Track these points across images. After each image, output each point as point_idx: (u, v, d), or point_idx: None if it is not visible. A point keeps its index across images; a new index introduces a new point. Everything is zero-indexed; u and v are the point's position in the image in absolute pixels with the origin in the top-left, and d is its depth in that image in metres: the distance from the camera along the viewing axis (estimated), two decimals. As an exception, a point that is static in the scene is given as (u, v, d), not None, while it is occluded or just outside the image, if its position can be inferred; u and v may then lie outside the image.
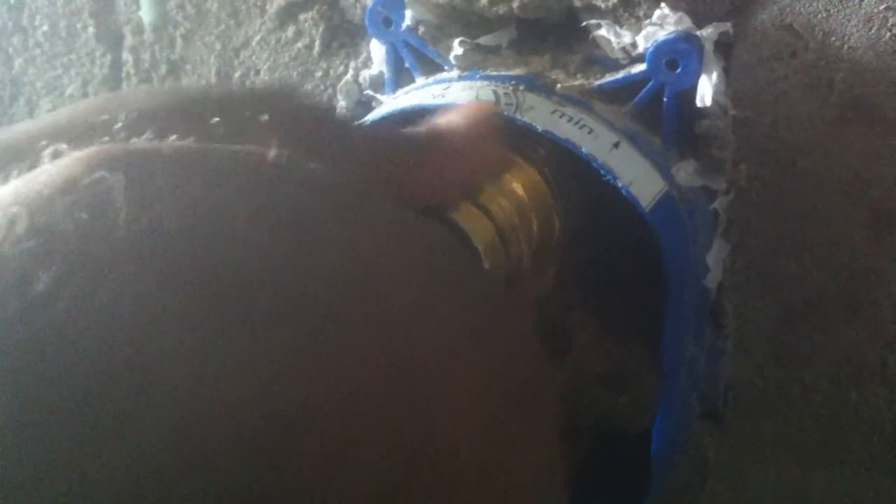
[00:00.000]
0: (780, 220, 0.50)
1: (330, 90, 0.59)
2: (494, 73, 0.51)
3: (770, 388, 0.55)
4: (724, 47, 0.48)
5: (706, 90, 0.47)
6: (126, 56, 0.65)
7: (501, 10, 0.51)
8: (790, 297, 0.52)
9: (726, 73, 0.48)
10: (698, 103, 0.47)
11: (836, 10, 0.46)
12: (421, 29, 0.52)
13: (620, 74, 0.49)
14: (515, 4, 0.51)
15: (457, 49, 0.52)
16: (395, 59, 0.54)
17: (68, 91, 0.69)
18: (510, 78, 0.50)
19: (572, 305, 0.53)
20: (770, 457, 0.57)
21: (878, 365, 0.51)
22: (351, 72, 0.57)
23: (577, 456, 0.54)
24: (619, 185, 0.46)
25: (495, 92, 0.49)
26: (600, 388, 0.55)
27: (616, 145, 0.48)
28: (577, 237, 0.50)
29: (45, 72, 0.68)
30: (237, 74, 0.62)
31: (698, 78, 0.47)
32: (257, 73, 0.62)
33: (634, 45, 0.49)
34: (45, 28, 0.67)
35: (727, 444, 0.57)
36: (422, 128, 0.38)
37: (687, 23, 0.47)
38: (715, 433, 0.57)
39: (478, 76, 0.51)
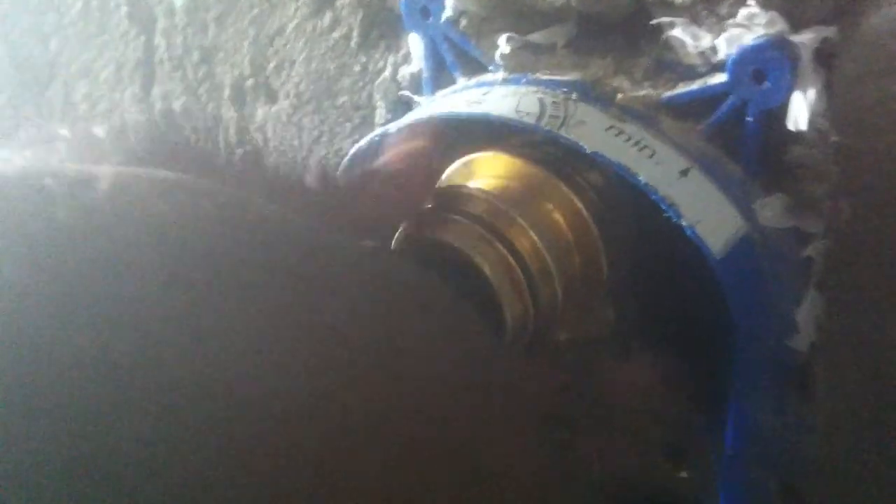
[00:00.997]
0: (887, 272, 0.40)
1: (369, 87, 0.52)
2: (545, 78, 0.43)
3: (866, 475, 0.45)
4: (825, 58, 0.39)
5: (800, 110, 0.38)
6: (158, 40, 0.59)
7: (559, 1, 0.43)
8: (891, 367, 0.42)
9: (827, 89, 0.39)
10: (790, 126, 0.38)
11: (973, 16, 0.36)
12: (463, 22, 0.44)
13: (695, 85, 0.40)
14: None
15: (503, 46, 0.43)
16: (433, 56, 0.46)
17: (102, 76, 0.64)
18: (562, 84, 0.42)
19: (627, 357, 0.45)
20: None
21: None
22: (389, 68, 0.50)
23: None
24: (683, 223, 0.37)
25: (541, 101, 0.41)
26: (660, 458, 0.46)
27: (684, 173, 0.39)
28: (632, 278, 0.42)
29: (80, 54, 0.63)
30: (271, 66, 0.55)
31: (790, 95, 0.38)
32: (292, 64, 0.55)
33: (714, 49, 0.40)
34: (78, 6, 0.61)
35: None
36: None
37: (780, 25, 0.38)
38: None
39: (524, 80, 0.43)
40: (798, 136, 0.39)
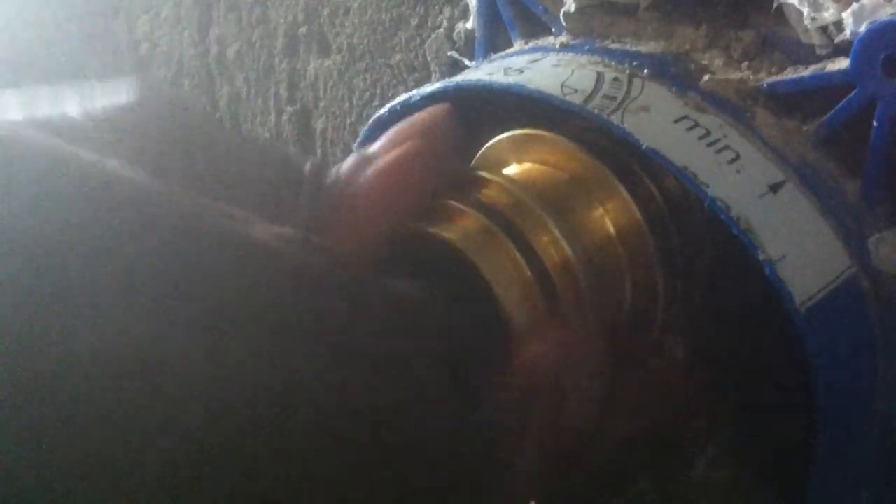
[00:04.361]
0: None
1: (425, 45, 0.43)
2: (614, 47, 0.33)
3: None
4: None
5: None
6: (215, -25, 0.52)
7: (644, -50, 0.33)
8: None
9: None
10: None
11: None
12: (524, -32, 0.35)
13: (808, 72, 0.30)
14: (665, -56, 0.32)
15: (569, 4, 0.34)
16: (489, 11, 0.38)
17: (163, 13, 0.58)
18: (633, 56, 0.33)
19: (691, 415, 0.35)
20: None
21: None
22: (445, 24, 0.41)
23: None
24: (761, 257, 0.27)
25: (599, 76, 0.31)
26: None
27: (775, 188, 0.29)
28: (699, 315, 0.32)
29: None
30: (325, 13, 0.48)
31: (937, 94, 0.27)
32: (347, 12, 0.47)
33: (840, 25, 0.29)
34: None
35: None
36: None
37: (937, -4, 0.27)
38: None
39: (588, 47, 0.34)
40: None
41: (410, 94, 0.34)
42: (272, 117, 0.54)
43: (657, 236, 0.31)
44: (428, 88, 0.34)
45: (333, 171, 0.30)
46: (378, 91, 0.47)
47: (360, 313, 0.23)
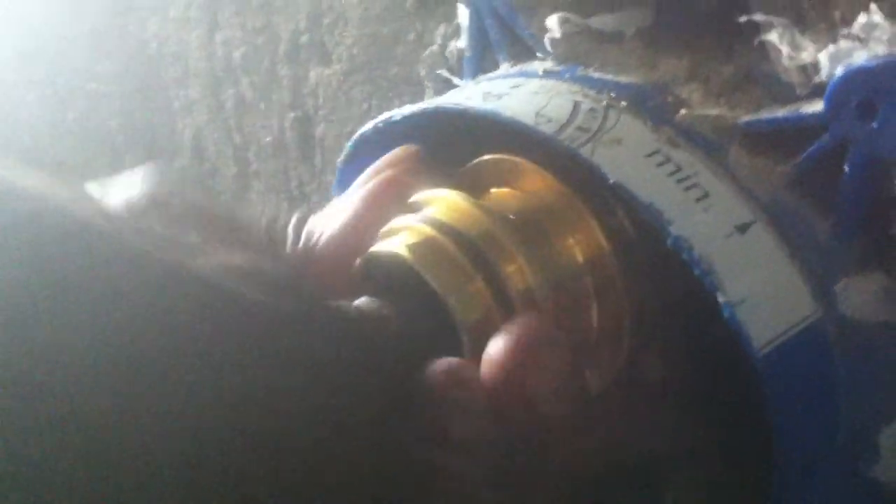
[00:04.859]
0: None
1: (422, 60, 0.44)
2: (596, 75, 0.33)
3: None
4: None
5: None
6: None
7: (631, -21, 0.33)
8: None
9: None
10: (896, 191, 0.27)
11: None
12: (515, -6, 0.35)
13: (784, 111, 0.30)
14: (651, -27, 0.32)
15: (555, 29, 0.34)
16: (478, 32, 0.38)
17: (171, 14, 0.58)
18: (612, 86, 0.32)
19: (662, 443, 0.35)
20: None
21: None
22: (440, 41, 0.41)
23: None
24: (721, 300, 0.27)
25: (576, 105, 0.31)
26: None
27: (742, 228, 0.29)
28: (670, 347, 0.32)
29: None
30: (327, 21, 0.48)
31: (908, 142, 0.27)
32: (347, 22, 0.47)
33: (816, 65, 0.29)
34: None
35: None
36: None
37: (910, 42, 0.27)
38: None
39: (569, 74, 0.34)
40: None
41: (392, 113, 0.34)
42: (275, 122, 0.54)
43: (625, 266, 0.31)
44: (409, 109, 0.34)
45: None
46: (375, 102, 0.47)
47: (295, 338, 0.24)
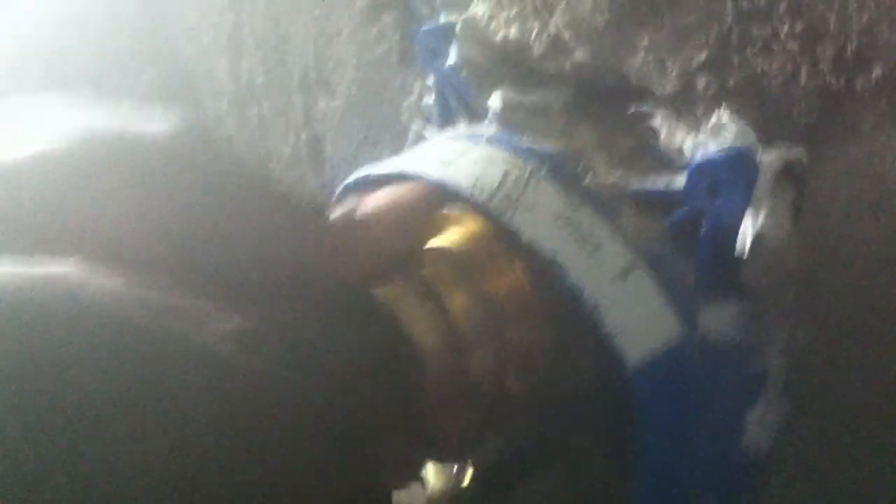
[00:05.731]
0: (848, 399, 0.39)
1: (403, 107, 0.53)
2: (524, 146, 0.43)
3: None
4: (796, 177, 0.36)
5: (749, 234, 0.36)
6: (245, 18, 0.62)
7: (552, 67, 0.42)
8: (841, 493, 0.40)
9: (797, 208, 0.37)
10: (736, 250, 0.36)
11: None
12: (464, 72, 0.44)
13: (660, 184, 0.39)
14: (568, 65, 0.41)
15: (496, 104, 0.43)
16: (441, 96, 0.47)
17: (204, 41, 0.68)
18: (537, 155, 0.42)
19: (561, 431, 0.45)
20: None
21: None
22: (416, 93, 0.50)
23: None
24: (603, 331, 0.37)
25: (505, 174, 0.41)
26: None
27: (625, 272, 0.38)
28: (570, 363, 0.42)
29: (182, 17, 0.67)
30: (330, 64, 0.57)
31: (743, 215, 0.36)
32: (345, 67, 0.56)
33: (683, 150, 0.38)
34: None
35: None
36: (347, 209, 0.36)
37: (749, 139, 0.36)
38: None
39: (505, 144, 0.43)
40: (751, 256, 0.37)
41: (369, 170, 0.44)
42: (291, 138, 0.64)
43: (542, 303, 0.41)
44: (382, 169, 0.43)
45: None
46: (371, 132, 0.57)
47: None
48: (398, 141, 0.55)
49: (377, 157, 0.55)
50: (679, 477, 0.40)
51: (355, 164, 0.58)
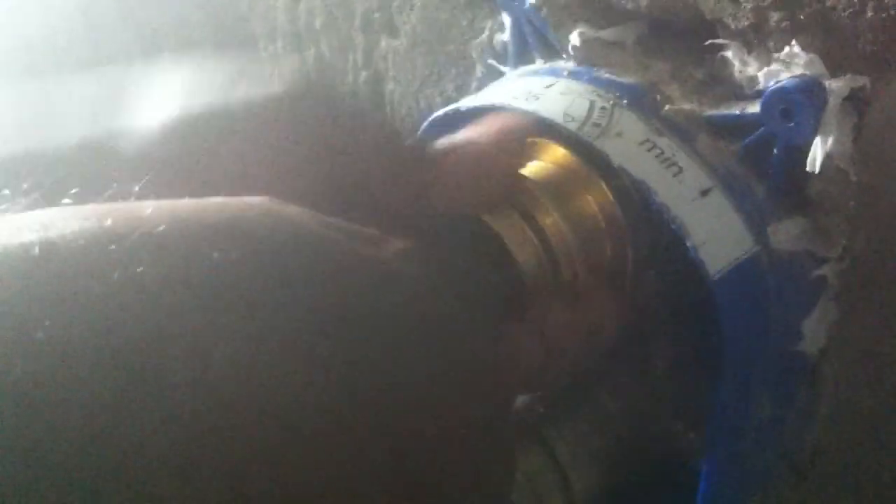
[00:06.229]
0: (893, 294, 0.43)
1: (472, 42, 0.57)
2: (605, 76, 0.47)
3: (861, 466, 0.49)
4: (859, 102, 0.41)
5: (819, 153, 0.40)
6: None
7: (630, 4, 0.46)
8: (894, 384, 0.45)
9: (857, 130, 0.41)
10: (808, 167, 0.40)
11: None
12: (544, 10, 0.48)
13: (735, 110, 0.43)
14: (644, 1, 0.45)
15: (575, 40, 0.47)
16: (518, 34, 0.51)
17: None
18: (617, 87, 0.46)
19: (651, 332, 0.49)
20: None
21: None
22: (487, 32, 0.54)
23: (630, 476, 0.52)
24: (688, 244, 0.41)
25: (591, 105, 0.45)
26: (673, 417, 0.52)
27: (705, 192, 0.43)
28: (655, 271, 0.46)
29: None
30: (395, 4, 0.61)
31: (813, 136, 0.40)
32: (412, 7, 0.60)
33: (757, 79, 0.42)
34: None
35: (808, 500, 0.53)
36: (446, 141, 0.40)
37: (818, 68, 0.40)
38: (796, 487, 0.53)
39: (587, 76, 0.47)
40: (817, 174, 0.41)
41: (459, 104, 0.48)
42: (350, 77, 0.68)
43: (627, 216, 0.45)
44: (471, 102, 0.47)
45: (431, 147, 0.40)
46: (435, 69, 0.61)
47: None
48: (463, 78, 0.58)
49: (441, 95, 0.59)
50: (752, 380, 0.45)
51: (417, 102, 0.62)
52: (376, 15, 0.63)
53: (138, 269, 0.23)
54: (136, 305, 0.22)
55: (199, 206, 0.26)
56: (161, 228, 0.24)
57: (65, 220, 0.24)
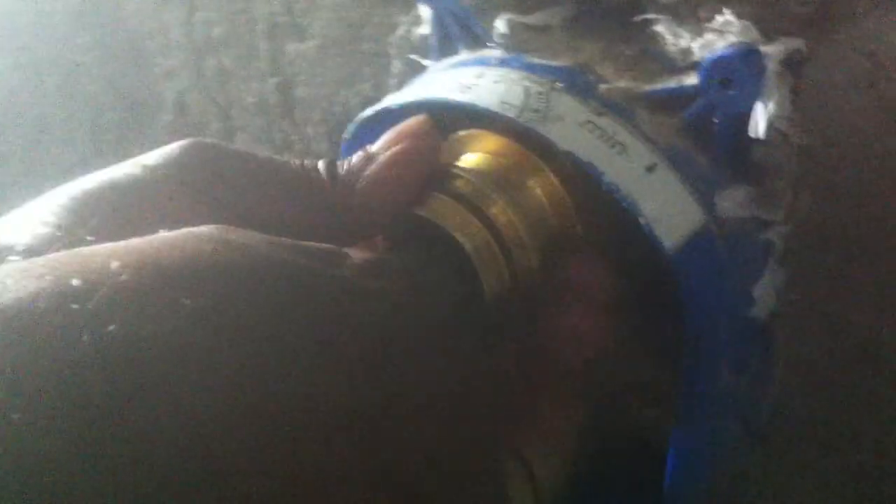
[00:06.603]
0: (842, 258, 0.44)
1: (387, 39, 0.55)
2: (536, 62, 0.46)
3: (818, 423, 0.50)
4: (795, 64, 0.41)
5: (761, 119, 0.40)
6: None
7: (553, -13, 0.45)
8: (846, 338, 0.46)
9: (794, 93, 0.41)
10: (751, 133, 0.41)
11: (928, 46, 0.38)
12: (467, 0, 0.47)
13: (672, 83, 0.43)
14: (568, -17, 0.45)
15: (501, 27, 0.46)
16: (440, 26, 0.49)
17: (150, -4, 0.67)
18: (550, 71, 0.45)
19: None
20: (812, 487, 0.52)
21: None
22: (403, 27, 0.53)
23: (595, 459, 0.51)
24: (642, 222, 0.41)
25: (527, 90, 0.44)
26: (633, 397, 0.52)
27: (650, 169, 0.42)
28: (607, 252, 0.46)
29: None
30: (300, 7, 0.59)
31: (754, 103, 0.41)
32: (319, 9, 0.58)
33: (690, 49, 0.42)
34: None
35: (771, 464, 0.53)
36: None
37: (752, 34, 0.40)
38: (758, 452, 0.53)
39: (517, 63, 0.46)
40: (759, 140, 0.41)
41: (389, 102, 0.46)
42: (256, 86, 0.65)
43: (575, 201, 0.44)
44: (402, 99, 0.46)
45: (343, 164, 0.40)
46: (349, 70, 0.59)
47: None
48: (380, 77, 0.57)
49: (358, 96, 0.58)
50: (714, 349, 0.45)
51: (332, 106, 0.60)
52: (281, 19, 0.61)
53: (109, 329, 0.22)
54: (114, 368, 0.21)
55: (154, 250, 0.25)
56: (123, 279, 0.23)
57: (17, 281, 0.22)
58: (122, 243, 0.25)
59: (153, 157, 0.32)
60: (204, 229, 0.26)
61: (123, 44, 0.73)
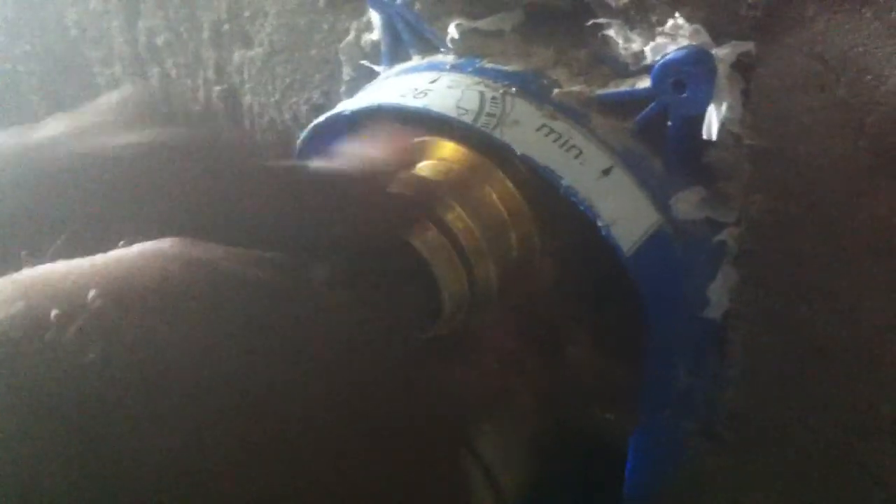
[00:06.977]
0: (794, 259, 0.44)
1: (335, 45, 0.55)
2: (489, 67, 0.46)
3: (773, 423, 0.50)
4: (745, 67, 0.41)
5: (713, 121, 0.41)
6: (142, -23, 0.62)
7: (504, -8, 0.45)
8: (799, 339, 0.46)
9: (745, 95, 0.42)
10: (704, 135, 0.41)
11: (875, 46, 0.38)
12: (417, 4, 0.47)
13: (625, 86, 0.43)
14: (519, -12, 0.45)
15: (452, 32, 0.46)
16: (391, 31, 0.49)
17: (91, 5, 0.66)
18: (504, 76, 0.45)
19: (564, 320, 0.49)
20: (769, 487, 0.53)
21: (890, 422, 0.46)
22: (353, 33, 0.52)
23: (556, 464, 0.51)
24: (599, 224, 0.41)
25: (482, 95, 0.44)
26: (591, 402, 0.52)
27: (606, 172, 0.43)
28: (564, 256, 0.46)
29: (67, -17, 0.65)
30: (246, 14, 0.58)
31: (707, 105, 0.41)
32: (266, 15, 0.57)
33: (642, 53, 0.42)
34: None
35: (728, 464, 0.54)
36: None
37: (703, 38, 0.41)
38: (715, 453, 0.53)
39: (471, 68, 0.46)
40: (712, 141, 0.42)
41: (342, 108, 0.46)
42: (202, 94, 0.64)
43: (529, 201, 0.44)
44: (356, 104, 0.45)
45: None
46: (298, 77, 0.58)
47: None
48: (329, 83, 0.56)
49: (307, 103, 0.57)
50: (671, 349, 0.45)
51: (281, 113, 0.60)
52: (226, 27, 0.60)
53: (90, 357, 0.22)
54: (93, 399, 0.21)
55: (124, 271, 0.25)
56: (97, 306, 0.23)
57: None
58: (88, 264, 0.25)
59: None
60: (167, 247, 0.26)
61: (65, 52, 0.71)
